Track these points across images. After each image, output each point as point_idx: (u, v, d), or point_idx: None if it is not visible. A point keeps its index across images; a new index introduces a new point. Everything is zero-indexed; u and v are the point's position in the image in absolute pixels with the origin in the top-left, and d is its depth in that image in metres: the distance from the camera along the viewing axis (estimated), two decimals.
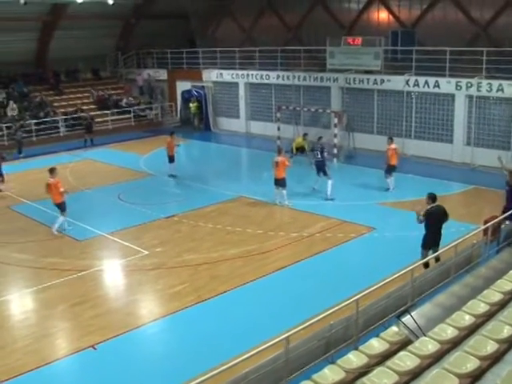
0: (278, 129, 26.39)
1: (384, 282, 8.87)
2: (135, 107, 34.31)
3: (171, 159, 21.97)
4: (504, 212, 12.54)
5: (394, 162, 18.94)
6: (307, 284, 11.98)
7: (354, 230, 15.26)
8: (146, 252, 14.29)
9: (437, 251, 10.64)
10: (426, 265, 10.53)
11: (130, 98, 35.00)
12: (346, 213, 16.58)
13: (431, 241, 11.13)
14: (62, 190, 15.90)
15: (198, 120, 32.85)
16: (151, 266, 13.40)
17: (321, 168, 17.36)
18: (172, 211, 16.59)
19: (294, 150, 23.20)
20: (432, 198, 11.32)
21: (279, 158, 17.26)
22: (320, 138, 18.21)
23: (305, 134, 23.59)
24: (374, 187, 19.16)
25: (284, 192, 17.13)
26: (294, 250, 14.08)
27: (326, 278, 12.28)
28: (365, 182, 20.16)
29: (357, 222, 15.77)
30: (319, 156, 16.87)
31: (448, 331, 7.64)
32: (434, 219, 11.04)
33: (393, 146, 19.05)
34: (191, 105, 33.15)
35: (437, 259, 10.64)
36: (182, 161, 25.66)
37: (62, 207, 16.05)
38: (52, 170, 16.14)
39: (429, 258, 10.47)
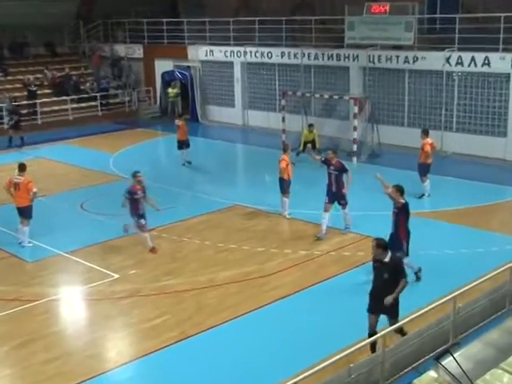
0: (283, 120, 26.39)
1: (418, 314, 8.92)
2: (103, 93, 34.50)
3: (183, 144, 23.95)
4: None
5: (429, 160, 19.07)
6: (316, 317, 11.96)
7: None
8: (116, 275, 14.42)
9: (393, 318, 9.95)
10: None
11: (103, 81, 35.26)
12: (369, 225, 16.44)
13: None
14: (34, 190, 16.11)
15: (177, 109, 33.14)
16: (122, 293, 13.47)
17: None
18: (150, 224, 16.21)
19: (302, 146, 23.47)
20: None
21: (282, 157, 17.40)
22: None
23: (310, 125, 23.77)
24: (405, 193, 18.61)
25: (284, 199, 17.15)
26: (301, 272, 14.19)
27: (342, 310, 12.23)
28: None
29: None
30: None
31: (504, 379, 7.64)
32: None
33: (429, 140, 19.21)
34: (170, 90, 33.59)
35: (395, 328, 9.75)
36: (162, 160, 26.28)
37: (28, 213, 16.15)
38: (21, 167, 16.33)
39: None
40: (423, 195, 18.88)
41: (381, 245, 9.80)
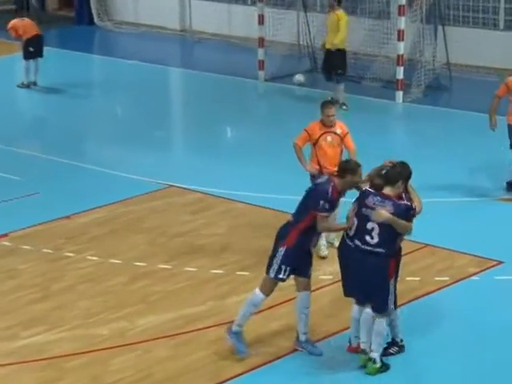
0: (260, 21, 21.56)
1: None
2: None
3: (30, 51, 20.87)
4: None
5: None
6: None
7: (451, 264, 12.51)
8: None
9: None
10: None
11: None
12: (431, 222, 12.94)
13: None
14: None
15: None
16: None
17: None
18: None
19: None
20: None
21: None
22: None
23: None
24: (489, 162, 16.25)
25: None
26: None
27: None
28: (468, 147, 17.17)
29: (456, 245, 12.97)
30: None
31: None
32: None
33: None
34: None
35: None
36: (28, 104, 22.22)
37: None
38: None
39: None
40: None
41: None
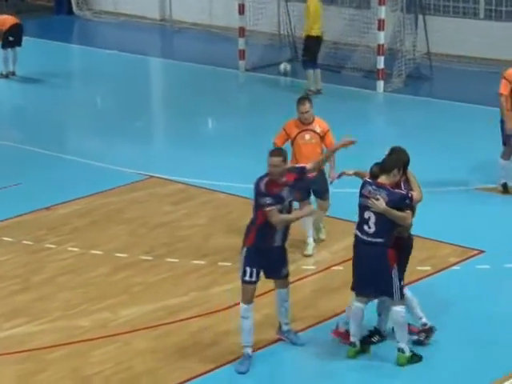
0: (241, 10, 21.81)
1: None
2: None
3: (9, 41, 20.82)
4: None
5: None
6: None
7: (433, 254, 12.56)
8: None
9: None
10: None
11: None
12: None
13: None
14: None
15: None
16: None
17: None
18: None
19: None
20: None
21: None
22: None
23: None
24: (469, 151, 16.41)
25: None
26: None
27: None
28: (449, 137, 17.20)
29: (438, 235, 13.00)
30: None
31: None
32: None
33: None
34: None
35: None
36: (6, 94, 21.95)
37: None
38: None
39: None
40: (505, 185, 14.69)
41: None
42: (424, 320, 9.35)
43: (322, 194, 12.61)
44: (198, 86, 22.13)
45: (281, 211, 9.16)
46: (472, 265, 12.25)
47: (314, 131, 12.12)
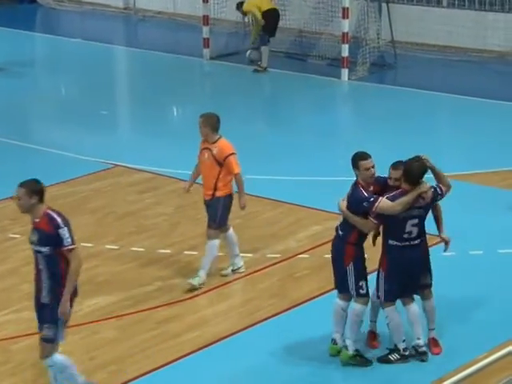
0: None
1: (477, 367, 7.48)
2: None
3: None
4: None
5: None
6: None
7: None
8: None
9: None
10: None
11: None
12: None
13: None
14: None
15: None
16: None
17: None
18: None
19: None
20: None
21: None
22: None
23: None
24: (434, 139, 16.59)
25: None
26: (246, 295, 11.39)
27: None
28: (414, 125, 17.44)
29: None
30: None
31: None
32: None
33: None
34: None
35: None
36: None
37: None
38: None
39: None
40: None
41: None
42: (419, 342, 8.99)
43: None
44: (162, 74, 22.01)
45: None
46: (437, 251, 12.07)
47: (212, 152, 11.33)
